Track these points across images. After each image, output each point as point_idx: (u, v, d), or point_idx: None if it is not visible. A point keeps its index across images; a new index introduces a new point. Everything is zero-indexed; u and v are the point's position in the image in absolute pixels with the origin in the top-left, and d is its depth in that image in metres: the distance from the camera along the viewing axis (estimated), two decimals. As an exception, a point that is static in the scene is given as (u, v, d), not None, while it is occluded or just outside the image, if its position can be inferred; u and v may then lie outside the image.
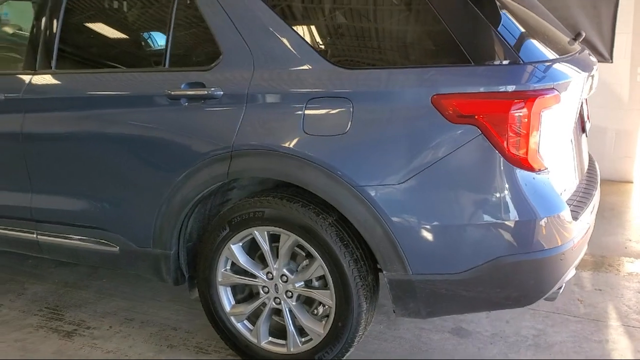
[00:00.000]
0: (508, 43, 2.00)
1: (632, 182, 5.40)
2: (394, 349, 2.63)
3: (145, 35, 2.72)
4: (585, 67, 2.35)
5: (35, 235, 2.81)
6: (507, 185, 1.97)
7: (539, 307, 2.92)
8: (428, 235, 2.04)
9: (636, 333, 2.74)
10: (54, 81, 2.65)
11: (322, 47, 2.25)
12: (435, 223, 2.03)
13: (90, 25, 2.79)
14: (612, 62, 5.18)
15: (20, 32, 3.24)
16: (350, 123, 2.08)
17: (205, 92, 2.29)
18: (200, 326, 2.82)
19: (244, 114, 2.24)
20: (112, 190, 2.55)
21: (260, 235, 2.33)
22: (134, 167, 2.46)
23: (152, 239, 2.51)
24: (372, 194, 2.05)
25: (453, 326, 2.79)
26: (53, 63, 2.65)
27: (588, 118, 2.84)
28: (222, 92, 2.27)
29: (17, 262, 3.62)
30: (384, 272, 2.15)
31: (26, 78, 2.69)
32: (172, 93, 2.33)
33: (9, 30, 3.42)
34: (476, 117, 1.95)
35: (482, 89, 1.97)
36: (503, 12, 2.15)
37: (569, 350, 2.60)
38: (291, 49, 2.22)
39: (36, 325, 2.88)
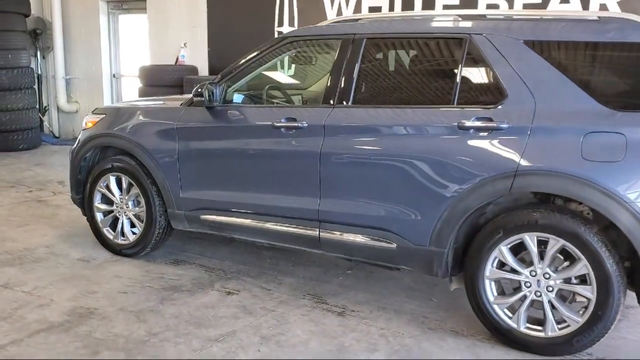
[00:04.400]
0: None
1: None
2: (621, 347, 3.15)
3: (434, 78, 3.45)
4: None
5: (317, 233, 3.53)
6: None
7: None
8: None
9: None
10: (351, 114, 3.41)
11: (592, 91, 2.90)
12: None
13: (383, 70, 3.57)
14: None
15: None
16: (625, 153, 2.71)
17: (494, 125, 2.98)
18: (446, 316, 3.44)
19: (527, 142, 2.91)
20: (398, 198, 3.24)
21: (530, 240, 2.95)
22: (421, 180, 3.15)
23: (430, 238, 3.17)
24: None
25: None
26: (350, 99, 3.42)
27: None
28: (507, 125, 2.95)
29: (258, 260, 4.36)
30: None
31: (326, 111, 3.46)
32: (466, 124, 3.03)
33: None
34: None
35: None
36: None
37: None
38: (568, 92, 2.89)
39: (309, 306, 3.57)
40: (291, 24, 7.46)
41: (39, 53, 9.70)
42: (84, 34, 9.48)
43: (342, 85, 3.45)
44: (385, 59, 3.58)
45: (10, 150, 8.65)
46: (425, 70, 3.47)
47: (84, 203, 4.54)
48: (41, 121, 9.59)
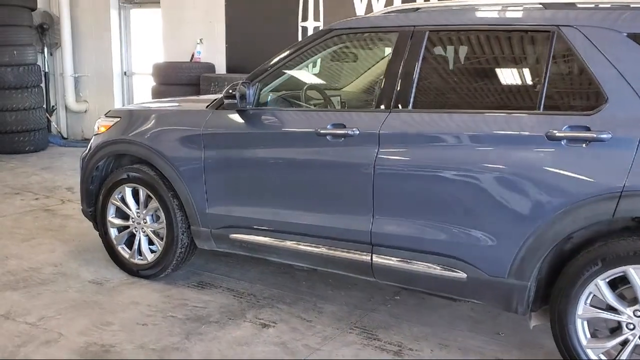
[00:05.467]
0: None
1: None
2: None
3: (513, 79, 2.94)
4: None
5: (369, 258, 3.03)
6: None
7: None
8: None
9: None
10: (412, 120, 2.90)
11: None
12: None
13: (450, 69, 3.06)
14: None
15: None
16: None
17: (592, 135, 2.47)
18: (521, 355, 2.94)
19: (635, 157, 2.39)
20: (469, 221, 2.74)
21: (636, 274, 2.44)
22: (500, 200, 2.65)
23: (509, 269, 2.67)
24: None
25: None
26: (410, 103, 2.91)
27: None
28: (609, 136, 2.44)
29: (292, 282, 3.87)
30: None
31: (381, 116, 2.95)
32: (556, 134, 2.52)
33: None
34: None
35: None
36: None
37: None
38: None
39: (359, 343, 3.07)
40: (316, 18, 6.96)
41: (46, 49, 9.22)
42: (94, 29, 8.99)
43: (401, 86, 2.94)
44: (452, 55, 3.06)
45: (16, 152, 8.19)
46: (501, 69, 2.95)
47: (96, 217, 4.06)
48: (48, 121, 9.12)
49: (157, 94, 7.49)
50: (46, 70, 9.24)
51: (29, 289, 3.69)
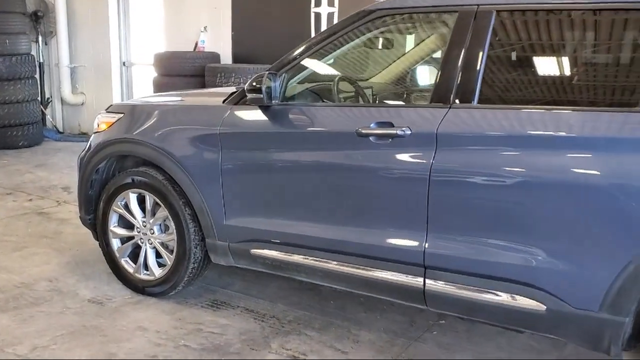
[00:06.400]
0: None
1: None
2: None
3: (611, 68, 2.45)
4: None
5: (421, 283, 2.56)
6: None
7: None
8: None
9: None
10: (478, 117, 2.42)
11: None
12: None
13: (526, 56, 2.56)
14: None
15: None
16: None
17: None
18: (603, 401, 2.47)
19: None
20: (552, 242, 2.25)
21: None
22: (596, 217, 2.17)
23: (602, 301, 2.19)
24: None
25: None
26: (475, 97, 2.42)
27: None
28: None
29: (319, 301, 3.40)
30: None
31: (439, 113, 2.47)
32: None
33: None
34: None
35: None
36: None
37: None
38: None
39: (409, 381, 2.61)
40: (330, 4, 6.45)
41: (40, 38, 8.67)
42: (91, 17, 8.42)
43: (463, 77, 2.45)
44: (527, 39, 2.56)
45: (8, 147, 7.67)
46: (594, 56, 2.46)
47: (96, 226, 3.58)
48: (43, 115, 8.59)
49: (159, 86, 6.99)
50: (41, 60, 8.70)
51: (20, 310, 3.21)
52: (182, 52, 7.22)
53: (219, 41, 7.32)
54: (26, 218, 4.85)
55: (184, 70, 6.86)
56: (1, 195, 5.54)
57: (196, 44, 7.45)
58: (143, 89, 8.22)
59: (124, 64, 8.50)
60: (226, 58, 7.27)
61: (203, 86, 6.68)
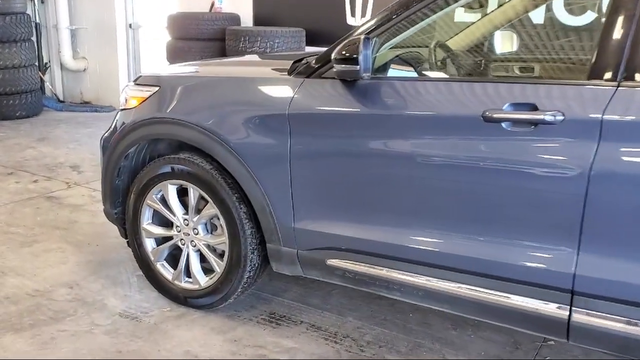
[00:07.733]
0: None
1: None
2: None
3: None
4: None
5: (566, 313, 1.99)
6: None
7: None
8: None
9: None
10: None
11: None
12: None
13: None
14: None
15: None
16: None
17: None
18: None
19: None
20: None
21: None
22: None
23: None
24: None
25: None
26: (658, 71, 1.81)
27: None
28: None
29: (396, 314, 2.83)
30: None
31: (603, 92, 1.86)
32: None
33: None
34: None
35: None
36: None
37: None
38: None
39: None
40: (367, -41, 5.74)
41: (36, -4, 7.92)
42: (93, -28, 7.67)
43: (635, 47, 1.84)
44: None
45: (5, 118, 7.00)
46: None
47: (125, 222, 2.98)
48: (42, 82, 7.87)
49: (174, 50, 6.31)
50: (37, 21, 7.93)
51: (39, 329, 2.63)
52: (200, 12, 6.49)
53: (238, 1, 6.61)
54: (33, 204, 4.23)
55: (202, 34, 6.17)
56: (2, 175, 4.90)
57: (212, 4, 6.73)
58: (151, 54, 7.51)
59: (130, 25, 7.73)
60: (247, 20, 6.56)
61: (223, 52, 6.00)
